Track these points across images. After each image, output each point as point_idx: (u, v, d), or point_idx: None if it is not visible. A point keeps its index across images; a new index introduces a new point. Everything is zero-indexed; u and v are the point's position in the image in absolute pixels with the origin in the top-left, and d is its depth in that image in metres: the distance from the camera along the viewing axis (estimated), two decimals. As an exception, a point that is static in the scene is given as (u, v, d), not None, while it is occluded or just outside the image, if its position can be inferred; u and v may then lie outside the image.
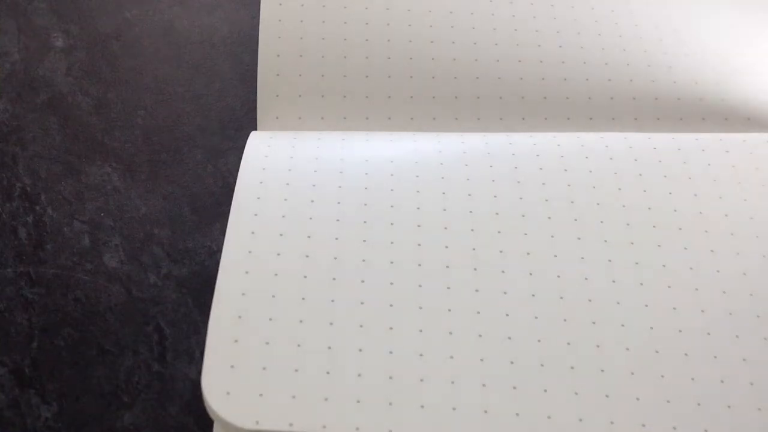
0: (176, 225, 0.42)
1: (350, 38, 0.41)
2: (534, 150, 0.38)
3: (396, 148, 0.38)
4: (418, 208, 0.35)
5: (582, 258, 0.34)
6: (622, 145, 0.38)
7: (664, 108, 0.41)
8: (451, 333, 0.31)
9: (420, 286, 0.33)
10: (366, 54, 0.41)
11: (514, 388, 0.30)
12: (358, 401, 0.29)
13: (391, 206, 0.35)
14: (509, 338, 0.32)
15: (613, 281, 0.34)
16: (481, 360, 0.31)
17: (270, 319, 0.31)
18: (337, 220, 0.34)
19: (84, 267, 0.41)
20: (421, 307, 0.32)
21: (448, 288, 0.33)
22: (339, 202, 0.35)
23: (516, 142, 0.38)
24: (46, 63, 0.47)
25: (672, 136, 0.39)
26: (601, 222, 0.35)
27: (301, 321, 0.31)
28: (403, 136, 0.39)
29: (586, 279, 0.34)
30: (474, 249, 0.34)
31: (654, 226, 0.35)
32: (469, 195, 0.36)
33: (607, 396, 0.31)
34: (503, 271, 0.33)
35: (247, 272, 0.32)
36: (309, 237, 0.34)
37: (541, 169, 0.37)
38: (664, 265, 0.34)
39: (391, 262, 0.33)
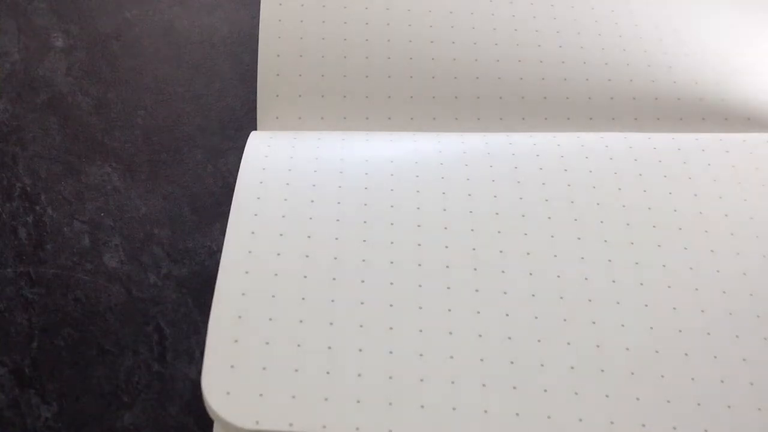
0: (176, 225, 0.42)
1: (350, 38, 0.41)
2: (534, 150, 0.38)
3: (396, 148, 0.38)
4: (418, 208, 0.35)
5: (582, 258, 0.34)
6: (622, 145, 0.38)
7: (664, 108, 0.41)
8: (451, 333, 0.31)
9: (420, 286, 0.33)
10: (366, 54, 0.41)
11: (514, 388, 0.30)
12: (358, 401, 0.29)
13: (391, 206, 0.35)
14: (509, 338, 0.32)
15: (613, 281, 0.34)
16: (481, 360, 0.31)
17: (270, 319, 0.31)
18: (337, 220, 0.34)
19: (84, 267, 0.41)
20: (421, 307, 0.32)
21: (448, 288, 0.33)
22: (339, 202, 0.35)
23: (516, 142, 0.38)
24: (46, 63, 0.47)
25: (672, 136, 0.39)
26: (601, 222, 0.35)
27: (301, 321, 0.31)
28: (403, 136, 0.39)
29: (586, 279, 0.34)
30: (474, 249, 0.34)
31: (654, 226, 0.35)
32: (469, 195, 0.36)
33: (607, 396, 0.31)
34: (503, 271, 0.33)
35: (247, 272, 0.32)
36: (309, 237, 0.34)
37: (541, 169, 0.37)
38: (664, 265, 0.34)
39: (391, 262, 0.33)
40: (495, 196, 0.36)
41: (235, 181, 0.42)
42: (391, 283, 0.33)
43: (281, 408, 0.29)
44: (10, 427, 0.37)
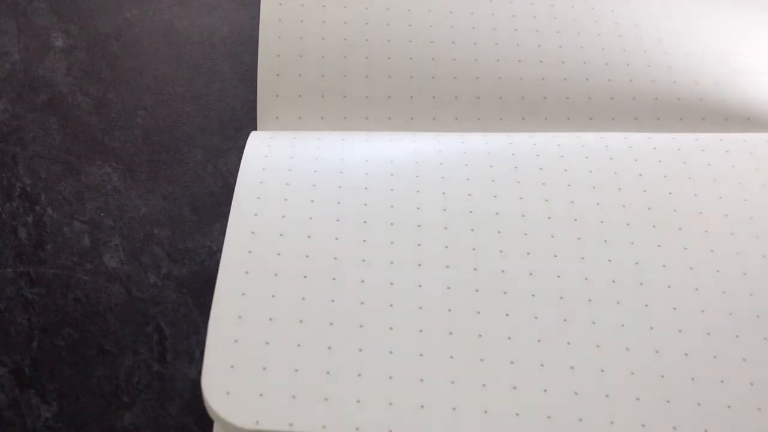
0: (176, 225, 0.42)
1: (350, 38, 0.41)
2: (534, 150, 0.38)
3: (396, 148, 0.38)
4: (418, 208, 0.35)
5: (582, 258, 0.34)
6: (622, 145, 0.38)
7: (664, 108, 0.41)
8: (451, 333, 0.31)
9: (420, 286, 0.33)
10: (366, 54, 0.41)
11: (514, 388, 0.30)
12: (358, 401, 0.29)
13: (391, 206, 0.35)
14: (509, 338, 0.32)
15: (613, 281, 0.34)
16: (481, 360, 0.31)
17: (270, 319, 0.31)
18: (337, 220, 0.34)
19: (84, 267, 0.41)
20: (421, 307, 0.32)
21: (448, 288, 0.33)
22: (339, 202, 0.35)
23: (516, 142, 0.38)
24: (46, 63, 0.47)
25: (672, 136, 0.39)
26: (601, 222, 0.35)
27: (301, 321, 0.31)
28: (403, 136, 0.39)
29: (586, 279, 0.34)
30: (474, 249, 0.34)
31: (654, 226, 0.35)
32: (469, 195, 0.36)
33: (607, 396, 0.31)
34: (503, 271, 0.33)
35: (247, 272, 0.32)
36: (309, 237, 0.34)
37: (541, 169, 0.37)
38: (664, 265, 0.34)
39: (391, 262, 0.33)
40: (495, 196, 0.36)
41: (235, 181, 0.42)
42: (391, 283, 0.33)
43: (281, 408, 0.29)
44: (10, 427, 0.37)
